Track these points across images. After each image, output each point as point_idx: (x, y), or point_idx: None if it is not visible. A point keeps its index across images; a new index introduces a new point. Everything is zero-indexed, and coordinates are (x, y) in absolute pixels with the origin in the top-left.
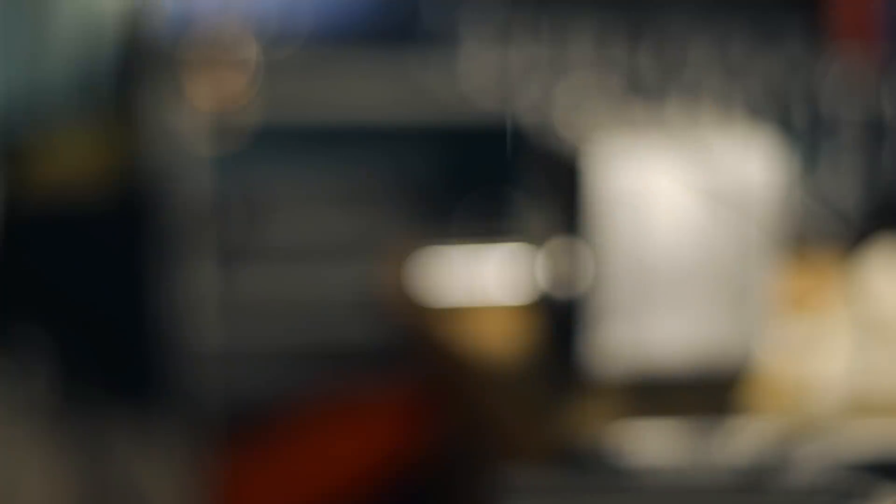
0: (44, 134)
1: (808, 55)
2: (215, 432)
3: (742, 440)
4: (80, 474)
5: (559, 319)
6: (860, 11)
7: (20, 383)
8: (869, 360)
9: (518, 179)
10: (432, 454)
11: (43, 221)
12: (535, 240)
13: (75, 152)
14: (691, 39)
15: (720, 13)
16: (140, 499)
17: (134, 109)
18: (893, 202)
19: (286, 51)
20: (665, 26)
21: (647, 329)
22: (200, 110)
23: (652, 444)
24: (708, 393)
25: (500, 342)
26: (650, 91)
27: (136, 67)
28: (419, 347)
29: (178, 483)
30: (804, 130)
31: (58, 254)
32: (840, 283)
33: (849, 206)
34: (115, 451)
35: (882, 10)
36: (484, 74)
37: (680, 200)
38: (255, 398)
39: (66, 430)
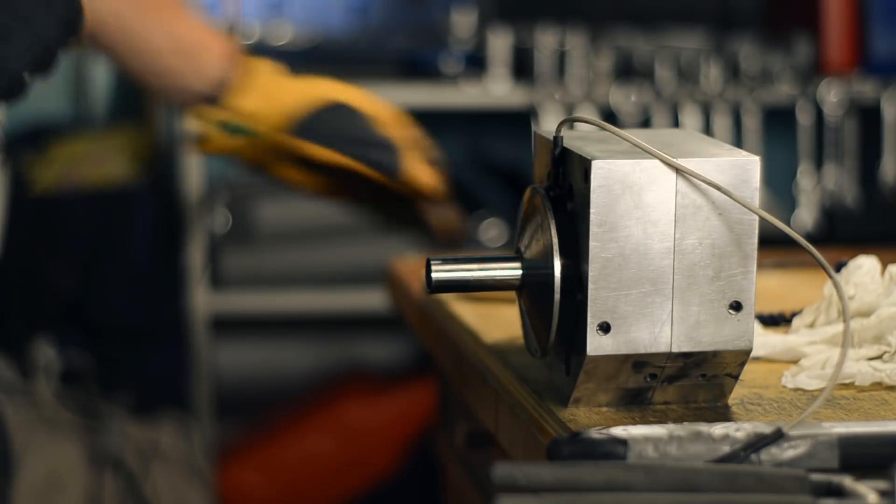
0: (44, 137)
1: (809, 57)
2: (215, 430)
3: (737, 439)
4: (80, 473)
5: (558, 318)
6: (855, 38)
7: (20, 382)
8: (859, 361)
9: (520, 179)
10: (432, 452)
11: (42, 220)
12: (534, 239)
13: (74, 153)
14: (703, 50)
15: (731, 26)
16: (140, 498)
17: (132, 108)
18: (893, 202)
19: (283, 41)
20: (675, 38)
21: (645, 328)
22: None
23: (650, 443)
24: (703, 392)
25: (499, 341)
26: (653, 92)
27: None
28: (423, 345)
29: (179, 482)
30: (804, 131)
31: (58, 252)
32: (835, 285)
33: (848, 206)
34: (114, 450)
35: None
36: (497, 76)
37: (678, 200)
38: (255, 396)
39: (66, 428)
